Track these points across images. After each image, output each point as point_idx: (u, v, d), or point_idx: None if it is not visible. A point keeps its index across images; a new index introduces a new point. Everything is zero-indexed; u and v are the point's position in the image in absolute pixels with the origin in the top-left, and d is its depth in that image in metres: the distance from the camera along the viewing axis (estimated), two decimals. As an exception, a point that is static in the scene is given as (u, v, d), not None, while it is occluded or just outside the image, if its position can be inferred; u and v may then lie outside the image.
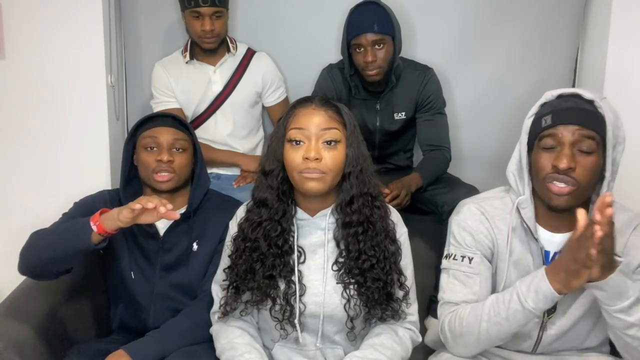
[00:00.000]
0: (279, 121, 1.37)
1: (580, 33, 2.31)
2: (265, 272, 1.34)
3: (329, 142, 1.31)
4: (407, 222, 2.05)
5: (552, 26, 2.31)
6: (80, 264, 1.56)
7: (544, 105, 1.33)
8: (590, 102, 1.29)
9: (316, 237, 1.38)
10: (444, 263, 1.46)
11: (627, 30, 2.05)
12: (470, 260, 1.41)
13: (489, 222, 1.42)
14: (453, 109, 2.34)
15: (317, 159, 1.28)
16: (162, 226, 1.63)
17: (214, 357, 1.41)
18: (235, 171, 2.28)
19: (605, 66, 2.08)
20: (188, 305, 1.59)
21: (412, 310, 1.43)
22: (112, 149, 2.12)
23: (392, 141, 2.25)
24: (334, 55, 2.25)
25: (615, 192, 2.03)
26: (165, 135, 1.59)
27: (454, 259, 1.43)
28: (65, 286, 1.69)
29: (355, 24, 2.01)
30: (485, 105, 2.37)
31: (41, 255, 1.47)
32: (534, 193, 1.37)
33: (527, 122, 1.36)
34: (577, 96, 1.30)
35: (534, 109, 1.35)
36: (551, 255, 1.38)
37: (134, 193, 1.65)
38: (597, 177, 1.30)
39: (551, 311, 1.38)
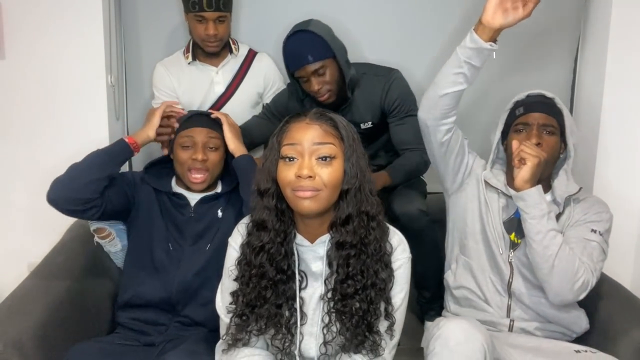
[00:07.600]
0: (273, 137, 1.30)
1: (580, 34, 2.32)
2: (277, 300, 1.29)
3: (323, 158, 1.23)
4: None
5: (552, 26, 2.32)
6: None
7: (516, 102, 1.73)
8: (551, 99, 1.70)
9: (315, 266, 1.33)
10: None
11: (626, 31, 2.07)
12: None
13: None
14: (452, 110, 2.33)
15: (310, 176, 1.21)
16: (192, 197, 1.77)
17: (213, 357, 1.40)
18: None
19: (605, 67, 2.09)
20: (210, 278, 1.62)
21: (392, 343, 1.34)
22: (112, 149, 2.12)
23: (367, 145, 2.15)
24: (333, 56, 2.25)
25: (614, 193, 2.07)
26: (200, 134, 1.74)
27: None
28: (65, 286, 1.68)
29: (290, 58, 1.95)
30: (484, 107, 2.37)
31: (82, 174, 1.65)
32: (508, 167, 1.72)
33: (504, 116, 1.75)
34: (542, 95, 1.71)
35: (510, 105, 1.74)
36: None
37: (158, 176, 1.82)
38: (557, 155, 1.68)
39: (514, 246, 1.65)
